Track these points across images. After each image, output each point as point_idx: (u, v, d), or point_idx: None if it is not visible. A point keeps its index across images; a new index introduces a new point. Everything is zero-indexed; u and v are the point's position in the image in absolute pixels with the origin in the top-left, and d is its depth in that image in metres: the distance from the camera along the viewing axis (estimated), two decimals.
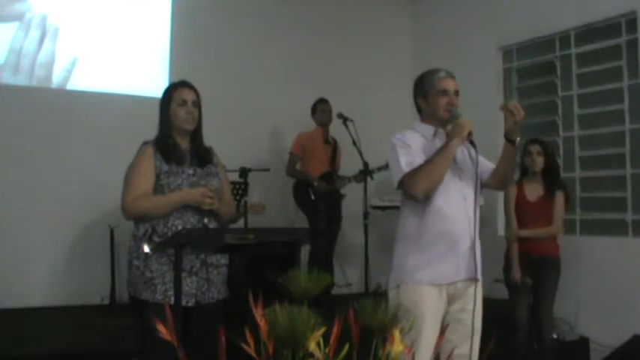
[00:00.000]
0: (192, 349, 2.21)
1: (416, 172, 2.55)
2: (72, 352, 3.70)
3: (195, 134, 2.81)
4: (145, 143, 2.75)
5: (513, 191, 4.18)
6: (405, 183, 2.57)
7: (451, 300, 2.61)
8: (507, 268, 4.15)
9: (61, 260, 5.06)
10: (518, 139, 2.58)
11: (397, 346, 1.38)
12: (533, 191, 4.18)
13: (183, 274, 2.55)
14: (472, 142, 2.61)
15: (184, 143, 2.79)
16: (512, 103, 2.56)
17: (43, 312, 4.73)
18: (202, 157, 2.81)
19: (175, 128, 2.76)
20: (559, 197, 4.16)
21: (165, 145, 2.72)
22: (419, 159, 2.58)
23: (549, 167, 4.17)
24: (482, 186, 2.73)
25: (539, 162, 4.13)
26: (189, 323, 2.56)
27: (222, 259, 2.78)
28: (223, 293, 2.78)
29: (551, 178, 4.18)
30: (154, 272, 2.60)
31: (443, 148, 2.55)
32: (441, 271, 2.58)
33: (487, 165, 2.75)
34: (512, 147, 2.60)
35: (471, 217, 2.60)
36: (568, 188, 4.36)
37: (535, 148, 4.15)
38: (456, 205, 2.60)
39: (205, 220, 2.70)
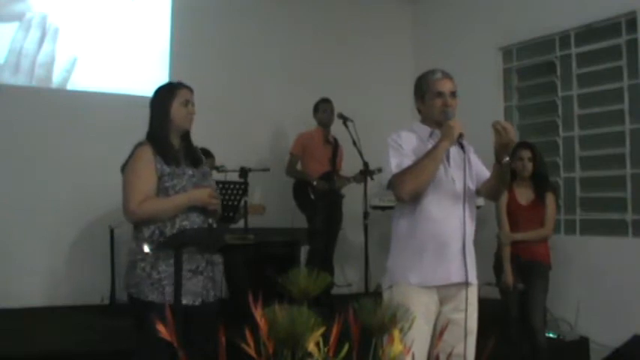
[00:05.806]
0: (199, 348, 2.21)
1: (403, 173, 2.54)
2: (72, 352, 3.70)
3: (186, 134, 2.81)
4: (141, 144, 2.71)
5: (504, 195, 4.16)
6: (393, 184, 2.58)
7: (443, 301, 2.60)
8: (497, 268, 4.15)
9: (61, 260, 5.06)
10: (507, 159, 2.51)
11: (397, 346, 1.38)
12: (524, 195, 4.18)
13: (190, 274, 2.57)
14: (462, 145, 2.56)
15: (177, 143, 2.77)
16: (500, 122, 2.47)
17: (43, 312, 4.73)
18: (194, 156, 2.80)
19: (173, 128, 2.74)
20: (550, 199, 4.17)
21: (164, 146, 2.69)
22: (408, 160, 2.57)
23: (537, 170, 4.18)
24: (476, 192, 2.71)
25: (529, 167, 4.14)
26: (197, 322, 2.55)
27: (220, 258, 2.79)
28: (221, 291, 2.78)
29: (539, 180, 4.18)
30: (162, 274, 2.57)
31: (431, 150, 2.54)
32: (430, 273, 2.57)
33: (483, 172, 2.72)
34: (499, 166, 2.55)
35: (462, 220, 2.57)
36: (556, 190, 4.35)
37: (526, 154, 4.14)
38: (448, 207, 2.58)
39: (210, 221, 2.71)
